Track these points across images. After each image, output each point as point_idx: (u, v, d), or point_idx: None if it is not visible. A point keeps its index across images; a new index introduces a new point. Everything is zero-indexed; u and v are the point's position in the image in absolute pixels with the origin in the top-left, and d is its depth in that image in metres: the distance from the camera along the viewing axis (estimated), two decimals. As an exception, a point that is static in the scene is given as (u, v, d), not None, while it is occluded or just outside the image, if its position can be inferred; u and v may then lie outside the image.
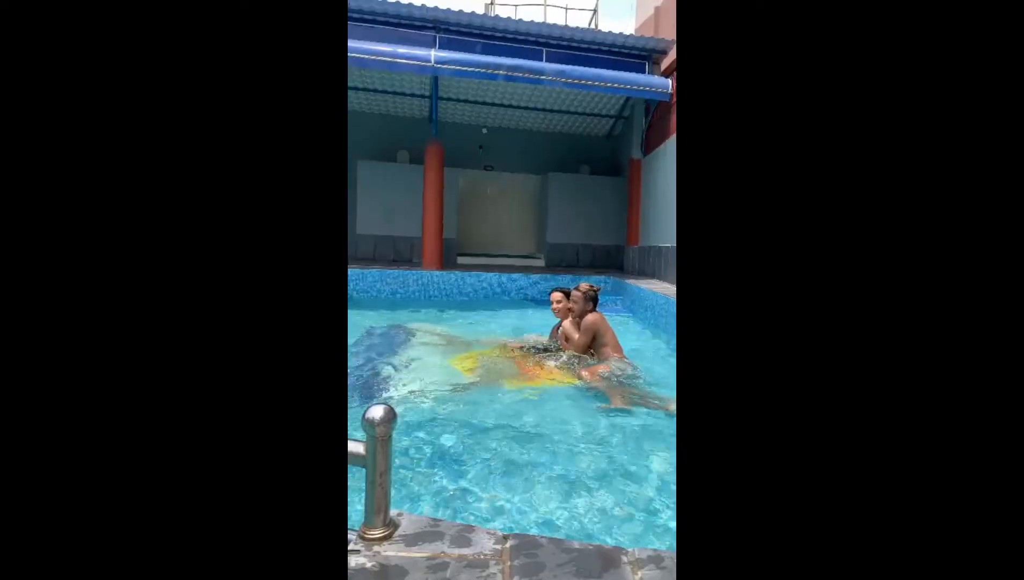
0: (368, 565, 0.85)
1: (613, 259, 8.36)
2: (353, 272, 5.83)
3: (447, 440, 1.95)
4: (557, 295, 3.20)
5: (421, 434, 1.98)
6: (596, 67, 6.18)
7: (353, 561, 0.86)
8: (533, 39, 6.24)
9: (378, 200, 7.77)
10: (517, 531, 1.00)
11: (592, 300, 3.04)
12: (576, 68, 6.04)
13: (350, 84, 7.07)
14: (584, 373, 2.73)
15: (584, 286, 3.08)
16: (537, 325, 3.46)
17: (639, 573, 0.85)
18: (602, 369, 2.75)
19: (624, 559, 0.89)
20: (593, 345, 2.94)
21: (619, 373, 2.70)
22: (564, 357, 2.96)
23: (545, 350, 3.12)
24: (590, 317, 2.95)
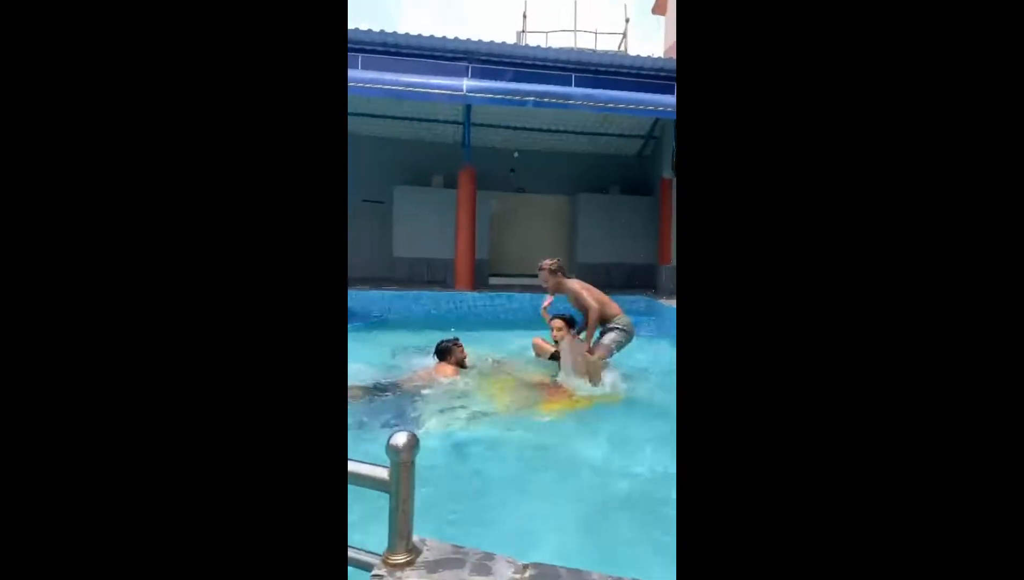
0: (390, 590, 0.88)
1: (646, 278, 8.26)
2: (388, 294, 5.99)
3: (473, 464, 1.97)
4: (559, 323, 3.32)
5: (447, 458, 2.01)
6: (624, 90, 6.24)
7: (376, 586, 0.89)
8: (562, 65, 6.36)
9: (413, 224, 8.00)
10: (538, 560, 1.01)
11: (558, 270, 3.24)
12: (604, 92, 6.11)
13: (387, 113, 7.37)
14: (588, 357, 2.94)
15: (545, 264, 3.26)
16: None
17: (656, 608, 0.84)
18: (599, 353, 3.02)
19: (642, 593, 0.88)
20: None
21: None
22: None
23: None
24: (570, 284, 3.21)
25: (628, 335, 3.19)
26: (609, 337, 3.13)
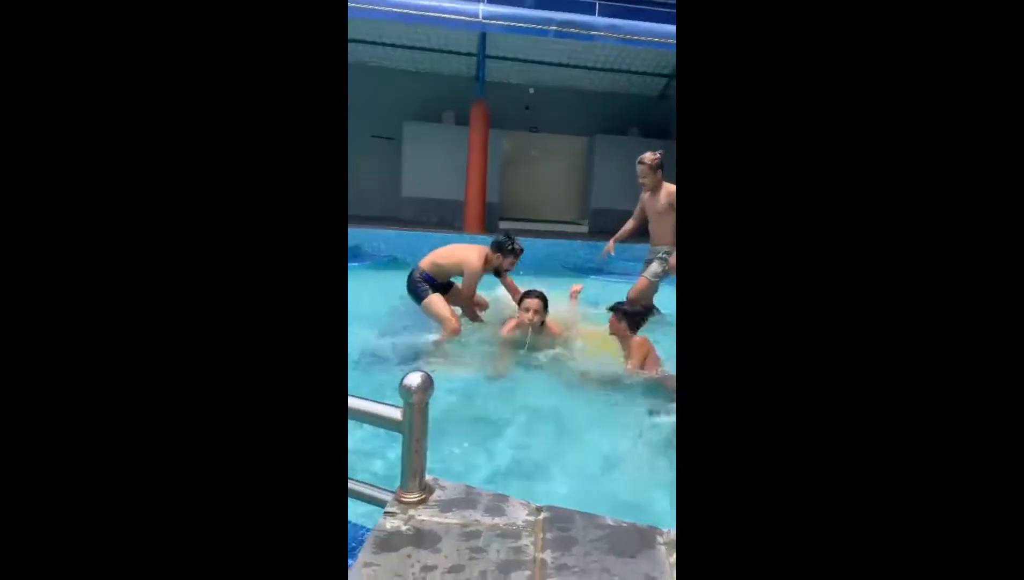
0: (403, 528, 0.88)
1: (660, 227, 8.07)
2: (395, 234, 5.91)
3: (482, 409, 1.98)
4: (535, 303, 2.52)
5: (457, 401, 2.01)
6: (651, 20, 5.81)
7: (388, 523, 0.89)
8: (586, -9, 5.90)
9: (423, 162, 7.76)
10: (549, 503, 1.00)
11: (660, 167, 2.92)
12: (630, 22, 5.70)
13: (396, 42, 6.96)
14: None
15: (648, 157, 2.90)
16: (584, 295, 3.40)
17: (673, 556, 0.83)
18: None
19: (659, 539, 0.87)
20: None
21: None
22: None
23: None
24: (669, 188, 2.88)
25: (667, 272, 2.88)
26: (652, 269, 2.88)
